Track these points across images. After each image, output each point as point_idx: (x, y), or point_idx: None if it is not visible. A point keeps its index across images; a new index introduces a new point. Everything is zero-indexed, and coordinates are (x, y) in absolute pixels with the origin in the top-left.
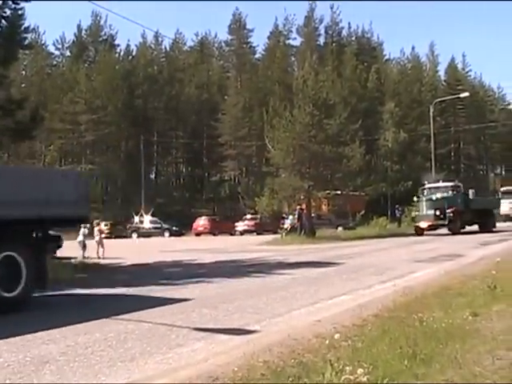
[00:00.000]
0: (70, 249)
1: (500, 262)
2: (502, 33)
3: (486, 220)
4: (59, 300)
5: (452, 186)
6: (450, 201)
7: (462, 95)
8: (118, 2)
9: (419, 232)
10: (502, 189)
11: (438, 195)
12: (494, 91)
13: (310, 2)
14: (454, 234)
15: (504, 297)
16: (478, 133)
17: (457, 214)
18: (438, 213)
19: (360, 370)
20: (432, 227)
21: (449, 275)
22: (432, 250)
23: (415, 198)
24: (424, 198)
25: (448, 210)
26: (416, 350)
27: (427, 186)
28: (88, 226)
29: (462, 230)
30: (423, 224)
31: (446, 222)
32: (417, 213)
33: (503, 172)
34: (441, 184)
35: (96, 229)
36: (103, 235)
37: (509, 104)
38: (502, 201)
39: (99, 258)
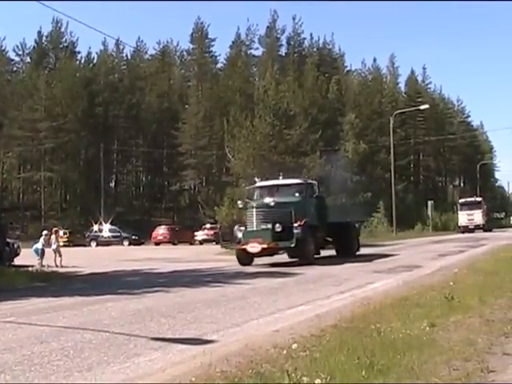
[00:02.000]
0: (27, 257)
1: (457, 273)
2: (462, 45)
3: (347, 239)
4: (14, 309)
5: (300, 185)
6: (297, 209)
7: (422, 107)
8: (79, 9)
9: (244, 261)
10: (460, 200)
11: (278, 199)
12: (453, 104)
13: (273, 12)
14: (306, 263)
15: (461, 307)
16: (438, 145)
17: (308, 230)
18: (277, 229)
19: (317, 381)
20: (268, 251)
21: (407, 286)
22: (390, 261)
23: (239, 203)
24: (254, 204)
25: (295, 225)
26: (373, 361)
27: (260, 183)
28: (46, 233)
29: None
30: (252, 247)
31: (292, 245)
32: (242, 228)
33: (462, 184)
34: (283, 181)
35: (53, 237)
36: (61, 243)
37: (468, 116)
38: (460, 212)
39: (57, 266)
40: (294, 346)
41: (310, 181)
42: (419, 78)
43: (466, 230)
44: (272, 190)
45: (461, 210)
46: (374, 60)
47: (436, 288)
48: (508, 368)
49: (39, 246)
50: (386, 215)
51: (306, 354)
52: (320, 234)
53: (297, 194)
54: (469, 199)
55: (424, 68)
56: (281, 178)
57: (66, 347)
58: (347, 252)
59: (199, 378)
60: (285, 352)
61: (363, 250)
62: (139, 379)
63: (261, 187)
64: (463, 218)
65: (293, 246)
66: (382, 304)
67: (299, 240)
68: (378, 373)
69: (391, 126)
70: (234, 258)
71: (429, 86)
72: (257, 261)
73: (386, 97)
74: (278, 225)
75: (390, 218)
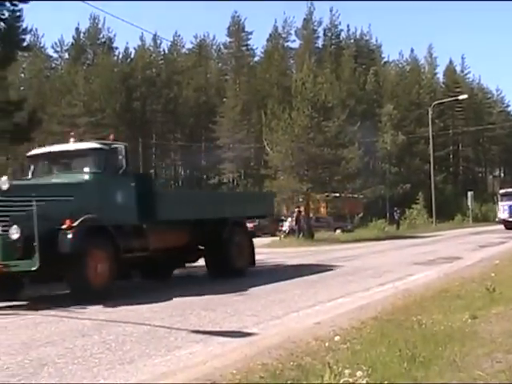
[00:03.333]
0: None
1: (499, 265)
2: (501, 35)
3: (220, 248)
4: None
5: (92, 152)
6: (78, 197)
7: (461, 97)
8: (117, 5)
9: None
10: (501, 191)
11: (47, 179)
12: (492, 93)
13: (309, 4)
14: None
15: (503, 299)
16: (477, 135)
17: (89, 237)
18: (12, 235)
19: (359, 373)
20: None
21: (447, 278)
22: (430, 253)
23: None
24: None
25: (64, 226)
26: (415, 353)
27: (34, 152)
28: None
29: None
30: None
31: (33, 267)
32: None
33: (502, 174)
34: (65, 147)
35: None
36: None
37: (507, 106)
38: (500, 203)
39: None
40: (336, 338)
41: (114, 145)
42: (458, 68)
43: (507, 224)
44: (52, 164)
45: (501, 200)
46: (412, 51)
47: (477, 280)
48: None
49: None
50: (425, 206)
51: (347, 346)
52: (139, 242)
53: (87, 170)
54: (509, 190)
55: (462, 58)
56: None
57: (108, 340)
58: (223, 268)
59: (240, 371)
60: (326, 344)
61: (417, 240)
62: (180, 372)
63: (36, 157)
64: (504, 208)
65: (34, 269)
66: (422, 296)
67: (68, 256)
68: (419, 365)
69: (430, 116)
70: (274, 250)
71: (467, 75)
72: (296, 254)
73: (424, 87)
74: (14, 229)
75: (429, 210)
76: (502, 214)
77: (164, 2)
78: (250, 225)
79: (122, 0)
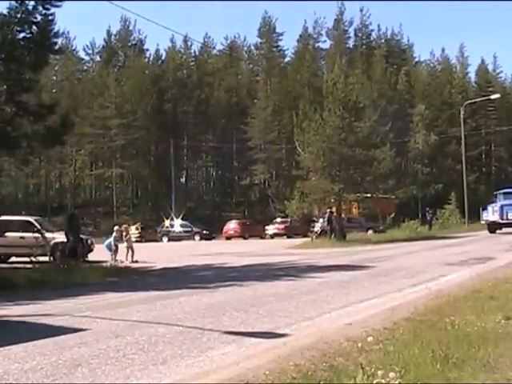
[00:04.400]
0: (101, 253)
1: None
2: None
3: None
4: (89, 304)
5: None
6: None
7: (493, 97)
8: (147, 7)
9: None
10: None
11: None
12: None
13: (340, 4)
14: None
15: None
16: (509, 134)
17: None
18: None
19: (392, 374)
20: None
21: (480, 278)
22: (463, 253)
23: None
24: None
25: None
26: (448, 354)
27: None
28: (117, 229)
29: None
30: None
31: None
32: None
33: None
34: None
35: (125, 233)
36: (133, 239)
37: None
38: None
39: (130, 261)
40: (368, 339)
41: None
42: (490, 67)
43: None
44: None
45: None
46: (443, 50)
47: (510, 280)
48: None
49: (112, 241)
50: (457, 207)
51: (380, 347)
52: None
53: None
54: None
55: (494, 57)
56: None
57: (141, 341)
58: None
59: (272, 371)
60: (358, 345)
61: (449, 241)
62: (213, 372)
63: None
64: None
65: None
66: (455, 297)
67: None
68: (452, 366)
69: (462, 116)
70: (306, 251)
71: (499, 75)
72: (328, 255)
73: (455, 87)
74: None
75: (461, 210)
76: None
77: (194, 2)
78: (281, 225)
79: (153, 0)
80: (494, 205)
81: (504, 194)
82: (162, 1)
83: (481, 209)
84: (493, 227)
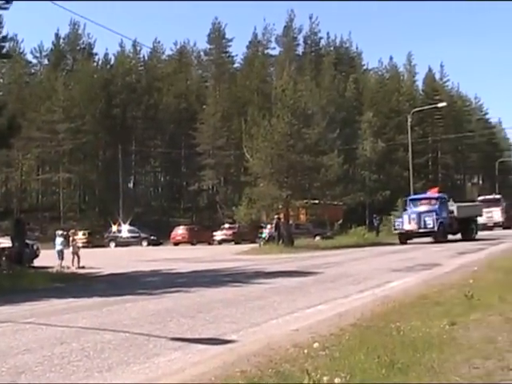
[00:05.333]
0: (47, 258)
1: (477, 271)
2: (479, 43)
3: None
4: (34, 310)
5: None
6: None
7: (440, 105)
8: (96, 11)
9: None
10: (479, 198)
11: None
12: (471, 101)
13: (289, 11)
14: None
15: (481, 306)
16: (456, 142)
17: None
18: None
19: (337, 380)
20: None
21: (426, 284)
22: (409, 260)
23: None
24: None
25: None
26: (393, 359)
27: None
28: (65, 234)
29: None
30: None
31: None
32: None
33: (480, 181)
34: None
35: (71, 238)
36: (79, 244)
37: (486, 114)
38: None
39: (76, 267)
40: (315, 345)
41: None
42: (437, 76)
43: (485, 227)
44: None
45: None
46: (391, 58)
47: (456, 286)
48: None
49: (59, 247)
50: None
51: (326, 353)
52: None
53: None
54: (488, 197)
55: (441, 65)
56: None
57: (86, 348)
58: None
59: (219, 378)
60: (305, 351)
61: (397, 247)
62: (159, 379)
63: None
64: (482, 215)
65: None
66: (401, 303)
67: None
68: (398, 371)
69: (409, 124)
70: (254, 257)
71: (446, 83)
72: (276, 261)
73: (403, 95)
74: None
75: None
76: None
77: (144, 7)
78: (229, 231)
79: (103, 0)
80: (409, 212)
81: (417, 200)
82: (111, 1)
83: (392, 218)
84: (406, 237)
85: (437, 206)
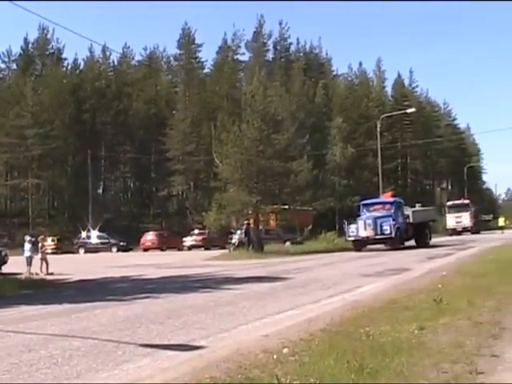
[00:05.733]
0: (15, 265)
1: (446, 276)
2: (448, 49)
3: None
4: (2, 317)
5: None
6: None
7: (409, 111)
8: (66, 15)
9: None
10: (448, 203)
11: None
12: (440, 107)
13: (259, 17)
14: None
15: (450, 310)
16: (425, 148)
17: None
18: None
19: None
20: None
21: (396, 289)
22: (379, 265)
23: None
24: None
25: None
26: (363, 364)
27: None
28: (33, 240)
29: None
30: None
31: None
32: None
33: (449, 186)
34: None
35: (40, 244)
36: (47, 251)
37: (454, 119)
38: (448, 215)
39: (45, 273)
40: (284, 350)
41: None
42: (406, 82)
43: (454, 232)
44: None
45: (449, 212)
46: (361, 64)
47: (425, 291)
48: (496, 370)
49: (27, 253)
50: None
51: (296, 358)
52: None
53: None
54: (456, 202)
55: (411, 72)
56: None
57: (55, 355)
58: None
59: None
60: (274, 357)
61: (366, 253)
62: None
63: None
64: (451, 220)
65: None
66: (371, 307)
67: None
68: (367, 376)
69: (378, 129)
70: (224, 263)
71: (415, 89)
72: (246, 266)
73: (372, 101)
74: None
75: None
76: (449, 224)
77: (114, 12)
78: (199, 237)
79: (71, 0)
80: (364, 218)
81: (372, 205)
82: (82, 5)
83: (345, 224)
84: (361, 244)
85: (393, 211)
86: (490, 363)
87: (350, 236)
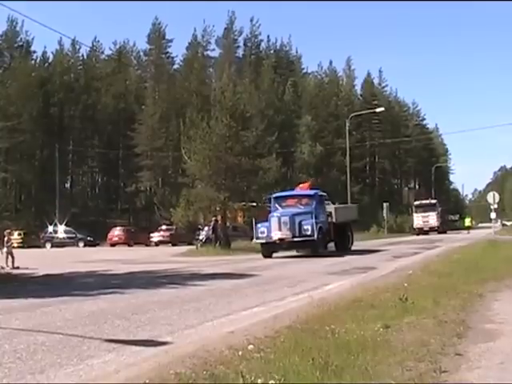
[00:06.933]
0: None
1: (412, 275)
2: (417, 49)
3: None
4: None
5: None
6: None
7: (378, 110)
8: (35, 8)
9: None
10: (416, 203)
11: None
12: (408, 107)
13: (230, 13)
14: None
15: (415, 309)
16: (393, 147)
17: None
18: None
19: (271, 382)
20: None
21: (362, 287)
22: (345, 263)
23: None
24: None
25: None
26: (328, 362)
27: None
28: None
29: None
30: None
31: None
32: None
33: (417, 186)
34: None
35: (6, 238)
36: (14, 245)
37: (423, 119)
38: (415, 214)
39: (11, 267)
40: (249, 347)
41: None
42: (375, 81)
43: (421, 231)
44: None
45: (416, 212)
46: (331, 63)
47: (390, 289)
48: (460, 368)
49: None
50: None
51: (261, 355)
52: None
53: None
54: (424, 201)
55: (380, 71)
56: None
57: (19, 349)
58: None
59: (153, 380)
60: (239, 353)
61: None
62: (92, 381)
63: None
64: (418, 220)
65: None
66: (336, 305)
67: None
68: (332, 374)
69: (347, 128)
70: (191, 259)
71: (385, 89)
72: (212, 263)
73: (342, 99)
74: None
75: None
76: (416, 223)
77: (84, 5)
78: (166, 233)
79: (42, 1)
80: (278, 215)
81: (287, 198)
82: (51, 0)
83: (254, 224)
84: (272, 248)
85: (314, 207)
86: (454, 362)
87: (258, 238)
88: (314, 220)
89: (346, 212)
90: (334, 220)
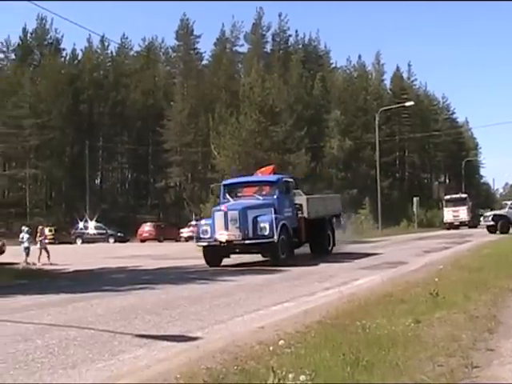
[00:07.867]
0: (12, 255)
1: (442, 270)
2: (447, 42)
3: None
4: None
5: None
6: None
7: (407, 104)
8: (64, 6)
9: None
10: (446, 197)
11: None
12: (438, 100)
13: (258, 9)
14: None
15: (446, 304)
16: (423, 141)
17: None
18: None
19: (302, 377)
20: None
21: (392, 282)
22: (375, 258)
23: None
24: None
25: None
26: (358, 357)
27: None
28: (30, 230)
29: None
30: None
31: None
32: None
33: (447, 180)
34: None
35: (39, 234)
36: (46, 240)
37: (453, 113)
38: (445, 209)
39: (43, 263)
40: (280, 342)
41: None
42: (404, 75)
43: (451, 226)
44: None
45: (446, 206)
46: (360, 57)
47: (421, 284)
48: (491, 364)
49: (25, 243)
50: (371, 212)
51: (291, 350)
52: None
53: None
54: (454, 196)
55: (409, 65)
56: None
57: (51, 344)
58: None
59: (184, 375)
60: (270, 349)
61: (363, 245)
62: (124, 376)
63: None
64: (448, 214)
65: None
66: (366, 300)
67: None
68: (362, 369)
69: (376, 122)
70: None
71: (414, 82)
72: (242, 257)
73: (371, 94)
74: None
75: (375, 215)
76: (447, 218)
77: (112, 2)
78: (196, 228)
79: (70, 0)
80: (226, 208)
81: (241, 186)
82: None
83: (194, 222)
84: (218, 253)
85: (275, 197)
86: (486, 357)
87: (199, 239)
88: (273, 215)
89: (324, 204)
90: (305, 215)
